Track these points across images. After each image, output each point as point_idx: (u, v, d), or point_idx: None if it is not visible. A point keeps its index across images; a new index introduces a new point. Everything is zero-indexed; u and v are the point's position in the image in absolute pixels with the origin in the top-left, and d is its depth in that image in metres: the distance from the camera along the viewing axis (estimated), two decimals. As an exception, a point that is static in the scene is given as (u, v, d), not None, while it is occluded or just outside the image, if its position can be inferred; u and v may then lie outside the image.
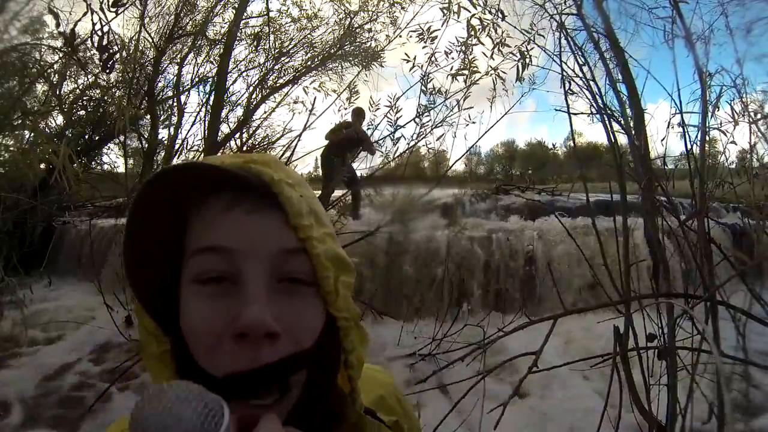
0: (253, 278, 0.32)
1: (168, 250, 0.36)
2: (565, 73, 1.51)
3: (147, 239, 0.35)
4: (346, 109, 4.22)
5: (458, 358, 1.31)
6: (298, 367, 0.33)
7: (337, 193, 4.17)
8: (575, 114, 1.55)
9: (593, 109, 1.51)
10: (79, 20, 1.97)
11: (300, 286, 0.34)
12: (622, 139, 1.56)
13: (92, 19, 1.88)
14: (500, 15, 2.26)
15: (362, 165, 4.05)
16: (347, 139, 4.08)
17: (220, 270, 0.33)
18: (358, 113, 4.27)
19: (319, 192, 3.75)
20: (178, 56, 4.54)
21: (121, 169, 5.04)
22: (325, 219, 0.38)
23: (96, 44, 1.90)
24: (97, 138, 5.01)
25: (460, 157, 4.11)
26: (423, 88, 3.06)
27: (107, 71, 2.18)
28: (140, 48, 4.21)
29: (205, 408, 0.25)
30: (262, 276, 0.33)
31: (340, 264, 0.36)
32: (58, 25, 2.04)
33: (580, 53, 1.50)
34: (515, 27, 2.06)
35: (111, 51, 1.98)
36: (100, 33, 1.90)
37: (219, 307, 0.32)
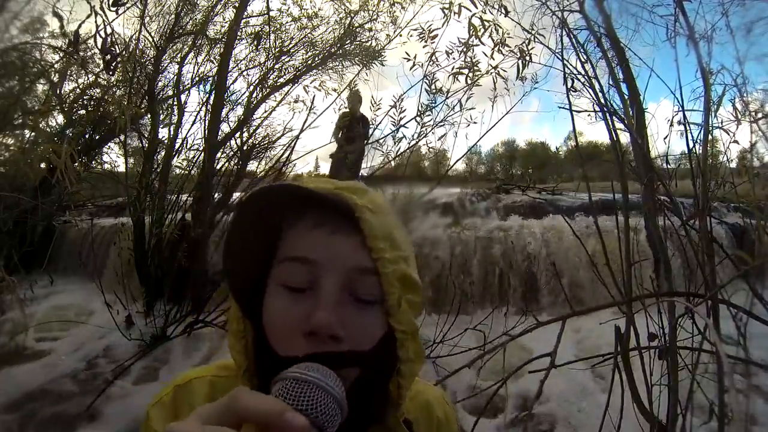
0: (328, 287, 0.38)
1: (259, 251, 0.42)
2: (567, 71, 1.51)
3: (243, 240, 0.42)
4: (347, 108, 4.23)
5: (463, 366, 1.30)
6: (351, 363, 0.38)
7: None
8: (577, 112, 1.54)
9: (595, 107, 1.51)
10: (82, 23, 1.96)
11: (366, 303, 0.40)
12: (624, 138, 1.56)
13: (96, 22, 1.87)
14: (503, 11, 2.25)
15: (364, 165, 4.06)
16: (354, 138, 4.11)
17: (302, 279, 0.39)
18: (354, 99, 4.33)
19: None
20: (179, 55, 4.52)
21: (122, 169, 5.03)
22: (402, 243, 0.43)
23: (100, 47, 1.89)
24: (97, 137, 5.00)
25: (461, 157, 4.13)
26: (425, 87, 3.05)
27: (110, 73, 2.18)
28: (140, 47, 4.20)
29: (338, 382, 0.33)
30: (335, 286, 0.39)
31: (408, 283, 0.41)
32: (62, 27, 2.04)
33: (582, 51, 1.50)
34: (518, 23, 2.05)
35: (114, 53, 1.98)
36: (103, 35, 1.89)
37: (296, 309, 0.38)
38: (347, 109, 4.37)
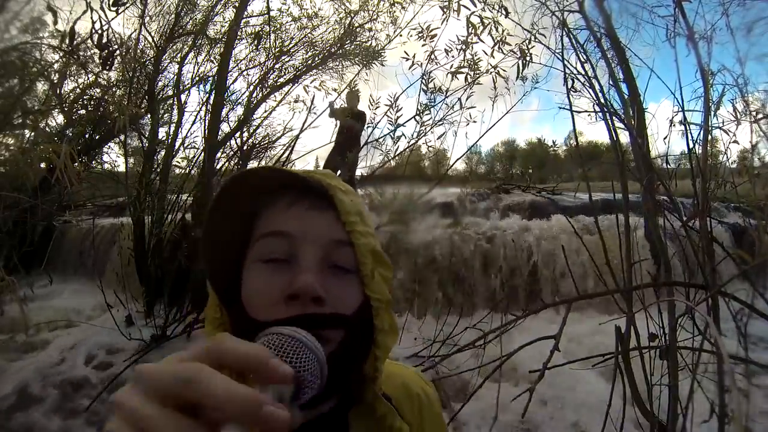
0: (307, 257, 0.41)
1: (236, 235, 0.44)
2: (567, 71, 1.51)
3: (220, 226, 0.44)
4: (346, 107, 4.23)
5: (464, 371, 1.31)
6: (335, 324, 0.40)
7: None
8: (578, 112, 1.54)
9: (595, 107, 1.51)
10: (79, 18, 1.95)
11: (343, 272, 0.42)
12: (624, 138, 1.56)
13: (92, 18, 1.87)
14: (504, 11, 2.25)
15: (362, 164, 4.05)
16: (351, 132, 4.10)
17: (281, 251, 0.41)
18: (352, 96, 4.33)
19: None
20: (179, 55, 4.52)
21: (122, 168, 5.03)
22: (369, 221, 0.46)
23: (96, 42, 1.89)
24: (97, 137, 5.00)
25: (461, 156, 4.13)
26: (423, 87, 3.05)
27: (107, 69, 2.18)
28: (140, 47, 4.20)
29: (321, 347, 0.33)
30: (314, 257, 0.41)
31: (378, 257, 0.44)
32: (56, 22, 2.02)
33: (582, 51, 1.50)
34: (518, 23, 2.05)
35: (111, 48, 1.97)
36: (100, 31, 1.89)
37: (277, 279, 0.40)
38: (345, 106, 4.37)
